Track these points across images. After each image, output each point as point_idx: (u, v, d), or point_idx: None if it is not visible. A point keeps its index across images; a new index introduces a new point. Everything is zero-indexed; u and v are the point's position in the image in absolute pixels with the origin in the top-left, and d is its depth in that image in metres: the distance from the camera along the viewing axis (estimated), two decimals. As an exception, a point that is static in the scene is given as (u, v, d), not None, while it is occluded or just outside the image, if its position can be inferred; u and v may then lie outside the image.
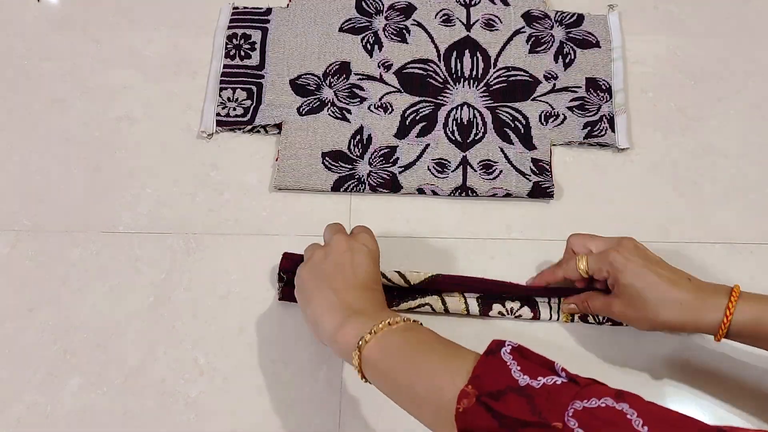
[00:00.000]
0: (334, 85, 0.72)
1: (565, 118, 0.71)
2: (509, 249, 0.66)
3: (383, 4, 0.77)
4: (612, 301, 0.56)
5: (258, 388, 0.60)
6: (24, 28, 0.76)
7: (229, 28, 0.76)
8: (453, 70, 0.73)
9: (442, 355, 0.47)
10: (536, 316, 0.62)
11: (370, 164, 0.69)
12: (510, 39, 0.75)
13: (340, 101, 0.71)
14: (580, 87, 0.73)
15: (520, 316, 0.62)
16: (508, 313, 0.62)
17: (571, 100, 0.72)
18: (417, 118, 0.71)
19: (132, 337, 0.62)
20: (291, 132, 0.70)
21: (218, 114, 0.71)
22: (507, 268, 0.65)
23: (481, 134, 0.70)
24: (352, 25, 0.75)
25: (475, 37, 0.75)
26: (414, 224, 0.67)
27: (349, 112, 0.71)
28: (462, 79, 0.73)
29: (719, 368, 0.60)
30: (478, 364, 0.44)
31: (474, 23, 0.76)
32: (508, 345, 0.45)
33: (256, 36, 0.75)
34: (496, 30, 0.75)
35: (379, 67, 0.73)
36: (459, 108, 0.71)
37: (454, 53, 0.74)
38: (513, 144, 0.70)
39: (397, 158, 0.69)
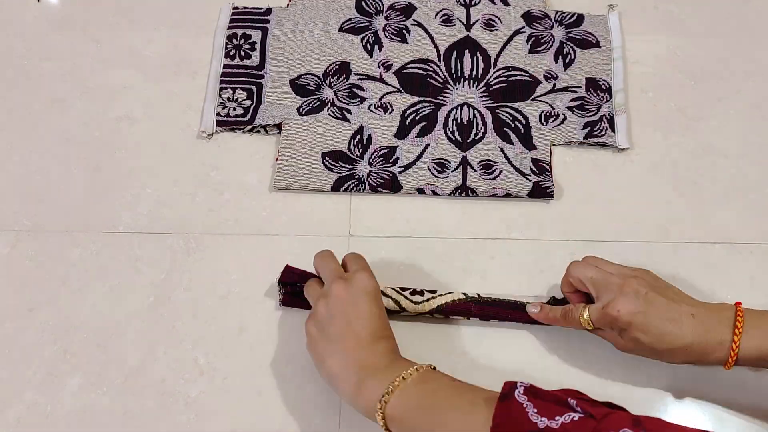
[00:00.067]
0: (334, 85, 0.72)
1: (565, 118, 0.71)
2: (509, 249, 0.66)
3: (383, 4, 0.77)
4: (619, 341, 0.56)
5: (258, 388, 0.60)
6: (24, 28, 0.76)
7: (229, 28, 0.76)
8: (453, 70, 0.73)
9: (460, 406, 0.48)
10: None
11: (370, 164, 0.69)
12: (510, 39, 0.75)
13: (340, 101, 0.71)
14: (580, 87, 0.73)
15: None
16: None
17: (571, 100, 0.72)
18: (417, 118, 0.71)
19: (132, 337, 0.62)
20: (291, 132, 0.70)
21: (218, 114, 0.71)
22: (507, 268, 0.65)
23: (481, 134, 0.70)
24: (352, 25, 0.75)
25: (475, 37, 0.75)
26: (414, 224, 0.67)
27: (349, 112, 0.71)
28: (462, 79, 0.73)
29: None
30: (496, 412, 0.44)
31: (474, 23, 0.76)
32: (520, 386, 0.46)
33: (256, 36, 0.75)
34: (496, 30, 0.75)
35: (379, 67, 0.73)
36: (459, 108, 0.71)
37: (454, 53, 0.74)
38: (513, 144, 0.70)
39: (397, 158, 0.69)
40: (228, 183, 0.68)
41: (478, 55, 0.74)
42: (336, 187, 0.67)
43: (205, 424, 0.58)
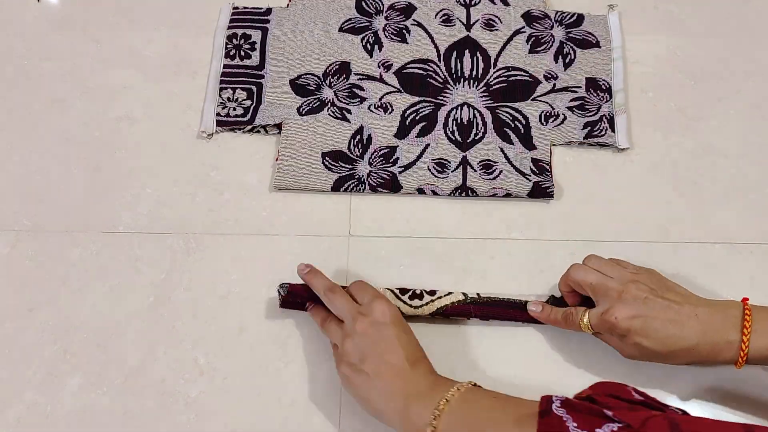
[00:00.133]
0: (334, 85, 0.72)
1: (565, 118, 0.71)
2: (509, 249, 0.66)
3: (383, 4, 0.77)
4: (623, 348, 0.56)
5: (258, 388, 0.60)
6: (24, 28, 0.76)
7: (229, 28, 0.76)
8: (453, 70, 0.73)
9: (505, 423, 0.48)
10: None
11: (370, 164, 0.69)
12: (510, 39, 0.75)
13: (340, 101, 0.71)
14: (580, 87, 0.73)
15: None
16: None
17: (571, 100, 0.72)
18: (417, 118, 0.71)
19: (132, 337, 0.62)
20: (291, 132, 0.70)
21: (218, 114, 0.71)
22: (507, 268, 0.65)
23: (481, 134, 0.70)
24: (352, 25, 0.75)
25: (475, 37, 0.75)
26: (414, 224, 0.67)
27: (349, 112, 0.71)
28: (462, 79, 0.73)
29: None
30: (539, 429, 0.45)
31: (474, 23, 0.76)
32: (556, 399, 0.46)
33: (256, 36, 0.75)
34: (496, 30, 0.75)
35: (379, 67, 0.73)
36: (459, 108, 0.71)
37: (454, 53, 0.74)
38: (513, 144, 0.70)
39: (397, 158, 0.69)
40: (228, 183, 0.68)
41: (478, 55, 0.74)
42: (336, 187, 0.67)
43: (205, 424, 0.58)
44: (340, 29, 0.75)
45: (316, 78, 0.73)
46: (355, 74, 0.73)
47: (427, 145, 0.69)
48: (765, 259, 0.66)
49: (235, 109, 0.71)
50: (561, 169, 0.70)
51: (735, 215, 0.68)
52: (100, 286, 0.64)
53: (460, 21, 0.76)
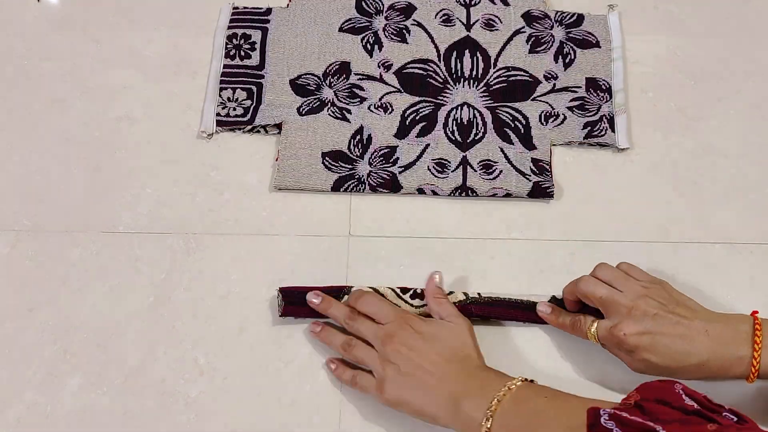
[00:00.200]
0: (334, 85, 0.72)
1: (565, 118, 0.71)
2: (509, 249, 0.66)
3: (383, 4, 0.77)
4: (630, 362, 0.55)
5: (258, 388, 0.60)
6: (24, 28, 0.76)
7: (229, 28, 0.76)
8: (453, 70, 0.73)
9: (557, 426, 0.48)
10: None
11: (370, 164, 0.69)
12: (510, 39, 0.75)
13: (340, 101, 0.71)
14: (580, 87, 0.73)
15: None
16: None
17: (571, 100, 0.72)
18: (417, 118, 0.71)
19: (132, 337, 0.62)
20: (291, 132, 0.70)
21: (218, 114, 0.71)
22: (507, 268, 0.65)
23: (481, 134, 0.70)
24: (352, 25, 0.75)
25: (475, 37, 0.75)
26: (414, 224, 0.67)
27: (349, 112, 0.71)
28: (462, 79, 0.73)
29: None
30: None
31: (474, 23, 0.76)
32: (604, 413, 0.45)
33: (256, 36, 0.75)
34: (496, 30, 0.75)
35: (379, 67, 0.73)
36: (459, 108, 0.71)
37: (454, 53, 0.74)
38: (513, 144, 0.70)
39: (397, 158, 0.69)
40: (228, 183, 0.68)
41: (478, 55, 0.74)
42: (336, 187, 0.67)
43: (205, 424, 0.58)
44: (340, 29, 0.75)
45: (316, 78, 0.73)
46: (355, 74, 0.73)
47: (427, 145, 0.69)
48: (765, 259, 0.66)
49: (235, 109, 0.71)
50: (561, 169, 0.70)
51: (735, 215, 0.68)
52: (100, 286, 0.64)
53: (460, 21, 0.76)
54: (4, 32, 0.76)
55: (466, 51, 0.74)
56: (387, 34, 0.75)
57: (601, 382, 0.60)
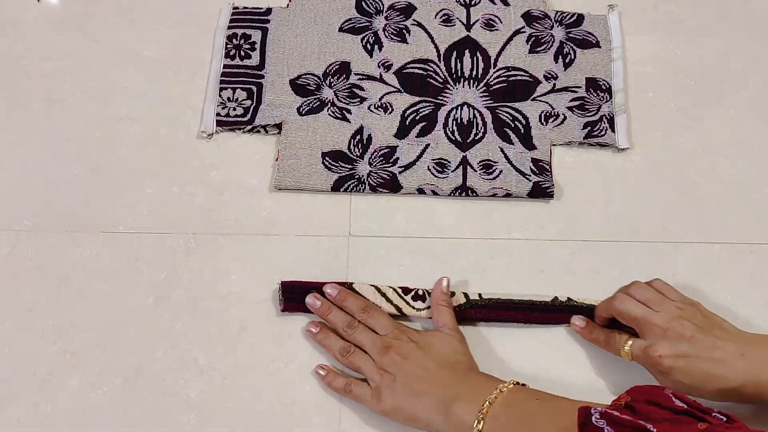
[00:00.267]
0: (334, 85, 0.72)
1: (565, 118, 0.71)
2: (509, 249, 0.66)
3: (383, 4, 0.77)
4: (663, 381, 0.54)
5: (258, 388, 0.60)
6: (24, 28, 0.76)
7: (229, 28, 0.76)
8: (453, 70, 0.73)
9: (549, 428, 0.49)
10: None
11: (370, 164, 0.69)
12: (510, 39, 0.75)
13: (340, 101, 0.71)
14: (580, 87, 0.73)
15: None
16: None
17: (571, 100, 0.72)
18: (417, 118, 0.71)
19: (132, 337, 0.62)
20: (291, 132, 0.70)
21: (218, 114, 0.71)
22: (507, 268, 0.65)
23: (481, 134, 0.70)
24: (352, 25, 0.75)
25: (475, 37, 0.75)
26: (414, 224, 0.67)
27: (349, 112, 0.71)
28: (462, 79, 0.73)
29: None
30: None
31: (474, 23, 0.76)
32: (595, 412, 0.45)
33: (256, 36, 0.75)
34: (496, 30, 0.75)
35: (379, 67, 0.73)
36: (459, 108, 0.71)
37: (454, 53, 0.74)
38: (513, 144, 0.70)
39: (397, 158, 0.69)
40: (228, 183, 0.68)
41: (478, 55, 0.74)
42: (336, 187, 0.67)
43: (205, 424, 0.58)
44: (340, 29, 0.75)
45: (316, 78, 0.73)
46: (355, 74, 0.73)
47: (427, 145, 0.69)
48: (765, 259, 0.66)
49: (235, 109, 0.71)
50: (561, 169, 0.70)
51: (735, 215, 0.68)
52: (100, 286, 0.64)
53: (460, 21, 0.76)
54: (4, 32, 0.76)
55: (466, 51, 0.74)
56: (387, 34, 0.75)
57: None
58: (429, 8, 0.76)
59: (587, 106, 0.72)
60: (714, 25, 0.78)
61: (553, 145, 0.70)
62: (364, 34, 0.75)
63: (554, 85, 0.73)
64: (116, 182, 0.68)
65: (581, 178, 0.69)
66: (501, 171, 0.68)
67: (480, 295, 0.62)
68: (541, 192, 0.67)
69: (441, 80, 0.73)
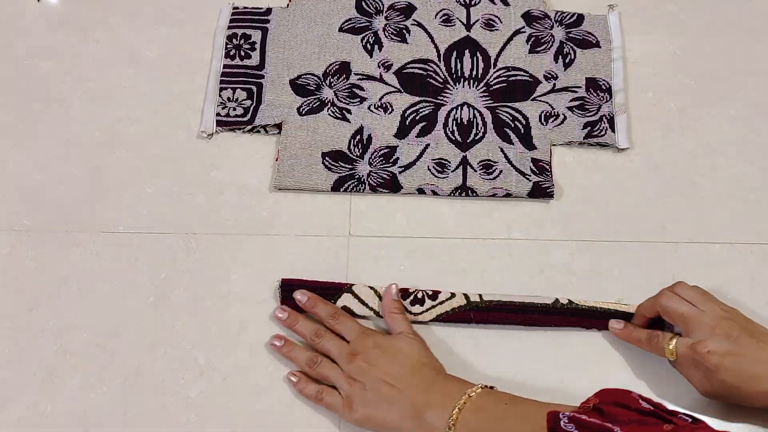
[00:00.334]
0: (334, 85, 0.72)
1: (565, 118, 0.71)
2: (509, 249, 0.66)
3: (383, 4, 0.77)
4: (703, 383, 0.54)
5: (258, 388, 0.60)
6: (24, 28, 0.76)
7: (229, 28, 0.76)
8: (453, 70, 0.73)
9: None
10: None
11: (370, 164, 0.69)
12: (510, 39, 0.75)
13: (340, 101, 0.71)
14: (580, 87, 0.73)
15: None
16: None
17: (571, 100, 0.72)
18: (417, 118, 0.71)
19: (132, 337, 0.62)
20: (291, 132, 0.70)
21: (218, 114, 0.71)
22: (507, 268, 0.65)
23: (481, 134, 0.70)
24: (352, 25, 0.75)
25: (475, 37, 0.75)
26: (414, 224, 0.67)
27: (349, 112, 0.71)
28: (462, 79, 0.73)
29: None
30: None
31: (474, 23, 0.76)
32: (563, 416, 0.45)
33: (256, 36, 0.75)
34: (496, 30, 0.75)
35: (379, 67, 0.73)
36: (459, 108, 0.71)
37: (454, 53, 0.74)
38: (513, 144, 0.70)
39: (397, 158, 0.69)
40: (228, 183, 0.68)
41: (478, 55, 0.74)
42: (336, 187, 0.67)
43: (205, 424, 0.58)
44: (340, 29, 0.75)
45: (316, 78, 0.73)
46: (355, 74, 0.73)
47: (427, 145, 0.69)
48: (765, 259, 0.66)
49: (235, 109, 0.71)
50: (561, 169, 0.70)
51: (735, 215, 0.68)
52: (100, 286, 0.64)
53: (460, 21, 0.76)
54: (4, 32, 0.76)
55: (466, 51, 0.74)
56: (387, 34, 0.75)
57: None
58: (429, 8, 0.76)
59: (587, 106, 0.72)
60: (714, 25, 0.78)
61: (553, 145, 0.70)
62: (364, 34, 0.75)
63: (554, 85, 0.73)
64: (116, 182, 0.68)
65: (581, 178, 0.69)
66: (501, 171, 0.68)
67: (480, 296, 0.62)
68: (541, 192, 0.67)
69: (441, 80, 0.73)
